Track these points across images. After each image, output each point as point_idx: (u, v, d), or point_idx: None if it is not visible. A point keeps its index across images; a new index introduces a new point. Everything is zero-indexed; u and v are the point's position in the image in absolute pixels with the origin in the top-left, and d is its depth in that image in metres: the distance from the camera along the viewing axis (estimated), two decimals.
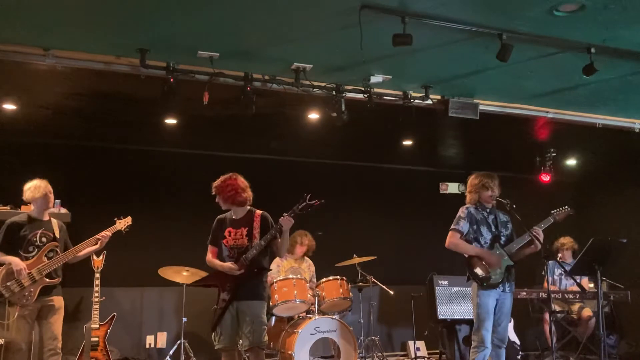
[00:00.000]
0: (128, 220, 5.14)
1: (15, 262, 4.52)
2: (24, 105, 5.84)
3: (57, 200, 5.73)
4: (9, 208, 5.85)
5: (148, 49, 4.70)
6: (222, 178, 4.56)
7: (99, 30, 4.45)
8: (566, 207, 4.85)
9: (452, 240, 4.79)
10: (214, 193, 4.57)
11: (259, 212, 4.58)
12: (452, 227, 4.81)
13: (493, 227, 4.81)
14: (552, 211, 4.84)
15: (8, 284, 4.49)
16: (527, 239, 4.68)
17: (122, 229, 5.08)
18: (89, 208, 6.29)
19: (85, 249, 4.82)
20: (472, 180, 4.90)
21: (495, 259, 4.67)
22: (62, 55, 4.73)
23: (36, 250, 4.65)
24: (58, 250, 4.75)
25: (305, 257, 6.72)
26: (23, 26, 4.35)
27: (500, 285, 4.66)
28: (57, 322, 4.70)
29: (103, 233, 4.91)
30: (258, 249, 4.37)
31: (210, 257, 4.58)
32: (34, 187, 4.72)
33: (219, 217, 4.67)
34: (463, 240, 4.77)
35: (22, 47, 4.63)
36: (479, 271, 4.68)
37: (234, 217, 4.59)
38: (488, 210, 4.86)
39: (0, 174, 6.26)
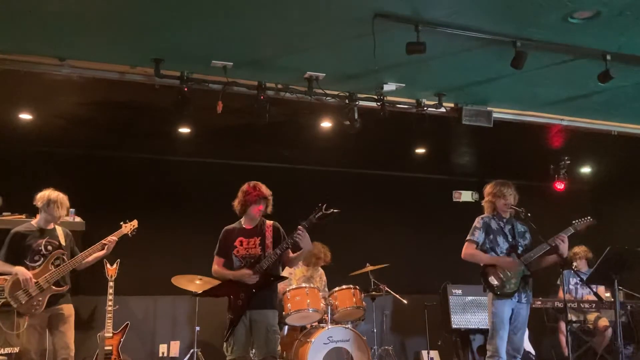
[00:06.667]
0: (134, 223, 5.11)
1: (22, 272, 4.52)
2: (39, 115, 5.89)
3: (71, 209, 5.76)
4: (24, 216, 5.88)
5: (162, 58, 4.73)
6: (246, 188, 4.48)
7: (114, 40, 4.49)
8: (588, 217, 4.74)
9: (468, 250, 4.78)
10: (238, 205, 4.50)
11: (269, 222, 4.54)
12: (468, 237, 4.81)
13: (510, 237, 4.77)
14: (573, 221, 4.74)
15: (16, 294, 4.49)
16: (545, 248, 4.59)
17: (129, 232, 5.06)
18: (104, 217, 6.25)
19: (92, 255, 4.82)
20: (487, 189, 4.90)
21: (512, 263, 4.62)
22: (77, 65, 4.77)
23: (42, 259, 4.66)
24: (65, 257, 4.75)
25: (318, 267, 6.69)
26: (39, 37, 4.39)
27: (516, 295, 4.63)
28: (68, 331, 4.71)
29: (109, 238, 4.90)
30: (273, 259, 4.34)
31: (217, 267, 4.49)
32: (39, 197, 4.76)
33: (226, 227, 4.58)
34: (479, 250, 4.74)
35: (38, 58, 4.68)
36: (493, 280, 4.67)
37: (244, 226, 4.53)
38: (505, 220, 4.84)
39: (15, 183, 6.30)
